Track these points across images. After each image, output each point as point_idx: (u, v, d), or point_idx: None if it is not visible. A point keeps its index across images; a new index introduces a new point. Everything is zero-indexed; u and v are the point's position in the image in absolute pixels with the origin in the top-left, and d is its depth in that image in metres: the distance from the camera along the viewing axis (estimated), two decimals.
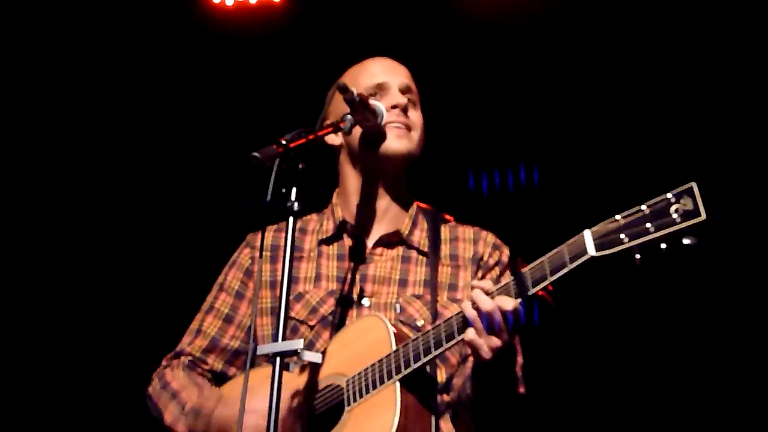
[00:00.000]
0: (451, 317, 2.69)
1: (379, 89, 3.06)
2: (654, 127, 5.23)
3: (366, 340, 2.81)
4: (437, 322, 2.74)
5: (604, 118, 5.35)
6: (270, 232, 3.14)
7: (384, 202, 3.09)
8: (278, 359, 2.49)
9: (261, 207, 2.57)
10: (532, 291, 2.56)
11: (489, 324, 2.58)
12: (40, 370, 5.68)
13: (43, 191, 5.79)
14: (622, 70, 5.31)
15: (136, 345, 5.46)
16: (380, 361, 2.74)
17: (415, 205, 3.16)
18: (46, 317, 5.73)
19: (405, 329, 2.88)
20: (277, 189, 2.56)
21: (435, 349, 2.68)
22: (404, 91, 3.09)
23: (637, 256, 2.43)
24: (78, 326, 5.73)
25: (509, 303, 2.57)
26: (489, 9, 5.47)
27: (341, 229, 3.10)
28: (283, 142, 2.61)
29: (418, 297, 2.98)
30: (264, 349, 2.54)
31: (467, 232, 3.12)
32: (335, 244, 3.10)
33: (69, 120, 5.80)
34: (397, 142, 3.01)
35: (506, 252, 3.10)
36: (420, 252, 3.07)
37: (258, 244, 3.10)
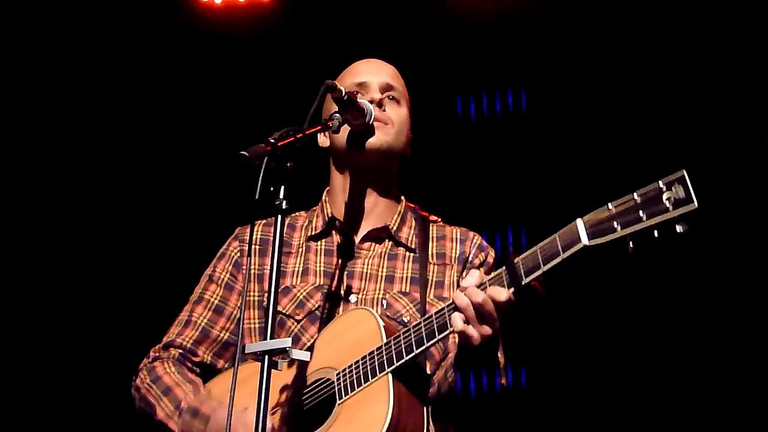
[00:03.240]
0: (443, 308, 2.70)
1: (360, 88, 3.08)
2: (644, 110, 5.26)
3: (355, 333, 2.82)
4: (428, 314, 2.74)
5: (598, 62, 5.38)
6: (259, 227, 3.16)
7: (372, 199, 3.10)
8: (267, 357, 2.49)
9: (249, 204, 2.58)
10: (525, 281, 2.57)
11: (480, 314, 2.60)
12: (29, 367, 5.67)
13: (34, 188, 5.77)
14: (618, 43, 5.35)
15: (122, 340, 5.45)
16: (371, 353, 2.75)
17: (403, 203, 3.19)
18: (30, 309, 5.71)
19: (392, 324, 2.89)
20: (265, 187, 2.57)
21: (427, 341, 2.69)
22: (384, 89, 3.11)
23: (630, 244, 2.43)
24: (63, 321, 5.70)
25: (502, 293, 2.59)
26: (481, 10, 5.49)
27: (330, 225, 3.12)
28: (272, 140, 2.62)
29: (405, 294, 3.00)
30: (252, 347, 2.55)
31: (454, 232, 3.15)
32: (323, 240, 3.12)
33: (56, 117, 5.78)
34: (372, 138, 3.02)
35: (492, 254, 3.13)
36: (408, 249, 3.09)
37: (247, 237, 3.09)
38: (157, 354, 3.11)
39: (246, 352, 2.57)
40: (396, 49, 5.39)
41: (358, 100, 2.93)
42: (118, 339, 5.46)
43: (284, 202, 2.60)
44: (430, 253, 3.07)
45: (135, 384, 3.08)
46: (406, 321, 2.93)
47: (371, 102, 3.03)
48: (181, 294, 3.24)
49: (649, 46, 5.28)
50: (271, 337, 2.53)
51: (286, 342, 2.53)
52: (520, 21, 5.44)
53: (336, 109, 2.90)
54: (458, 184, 5.50)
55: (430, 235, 3.11)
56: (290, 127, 2.69)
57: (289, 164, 2.63)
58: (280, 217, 2.60)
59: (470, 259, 3.08)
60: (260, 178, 2.55)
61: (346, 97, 2.84)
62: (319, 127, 2.84)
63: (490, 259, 3.11)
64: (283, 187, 2.62)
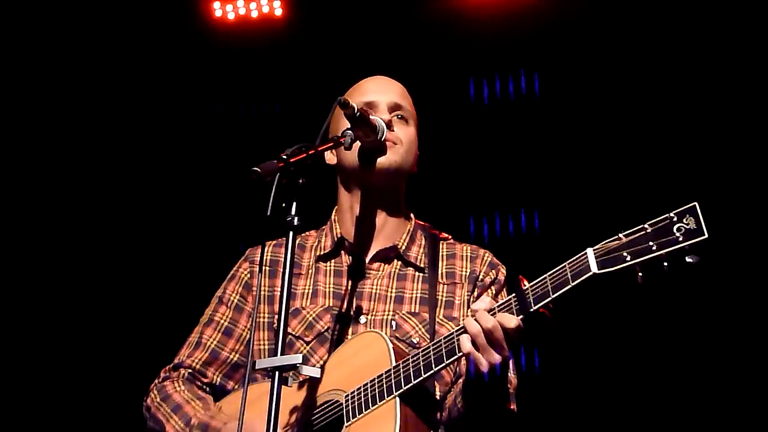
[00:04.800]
0: (452, 333, 2.69)
1: (369, 107, 3.06)
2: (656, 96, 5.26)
3: (365, 356, 2.81)
4: (438, 338, 2.74)
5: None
6: (269, 248, 3.15)
7: (381, 218, 3.09)
8: (277, 374, 2.49)
9: (260, 221, 2.57)
10: (533, 308, 2.58)
11: (490, 340, 2.59)
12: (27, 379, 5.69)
13: (51, 195, 5.80)
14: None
15: (127, 352, 5.49)
16: (380, 376, 2.75)
17: (413, 221, 3.17)
18: (29, 321, 5.72)
19: (401, 345, 2.88)
20: (277, 203, 2.57)
21: (436, 365, 2.69)
22: (393, 108, 3.10)
23: (640, 274, 2.46)
24: (67, 332, 5.72)
25: (511, 320, 2.59)
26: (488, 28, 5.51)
27: (339, 245, 3.11)
28: (284, 156, 2.61)
29: (414, 314, 2.99)
30: (263, 363, 2.55)
31: (464, 249, 3.13)
32: (333, 260, 3.11)
33: (74, 132, 5.81)
34: (381, 158, 3.02)
35: (502, 271, 3.11)
36: (417, 268, 3.08)
37: (257, 258, 3.09)
38: (167, 374, 3.12)
39: (257, 368, 2.56)
40: (407, 40, 5.47)
41: (371, 117, 2.92)
42: (122, 354, 5.49)
43: (296, 219, 2.60)
44: (439, 272, 3.06)
45: (146, 404, 3.09)
46: (415, 342, 2.93)
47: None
48: (186, 310, 3.24)
49: (668, 33, 5.25)
50: (282, 353, 2.52)
51: (296, 358, 2.53)
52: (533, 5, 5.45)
53: (346, 125, 2.89)
54: (471, 166, 5.49)
55: (440, 254, 3.10)
56: (302, 144, 2.69)
57: (301, 180, 2.63)
58: (291, 233, 2.60)
59: (481, 277, 3.07)
60: (272, 195, 2.55)
61: (358, 114, 2.84)
62: (332, 144, 2.84)
63: (501, 277, 3.09)
64: (294, 204, 2.61)
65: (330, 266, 3.10)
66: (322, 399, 2.83)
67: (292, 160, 2.62)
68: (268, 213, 2.56)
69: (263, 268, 3.10)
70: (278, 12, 5.71)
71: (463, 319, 2.75)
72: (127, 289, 5.75)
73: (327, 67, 5.52)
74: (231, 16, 5.73)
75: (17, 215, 5.75)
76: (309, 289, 3.06)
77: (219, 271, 3.25)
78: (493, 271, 3.09)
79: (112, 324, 5.70)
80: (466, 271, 3.07)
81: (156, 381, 3.12)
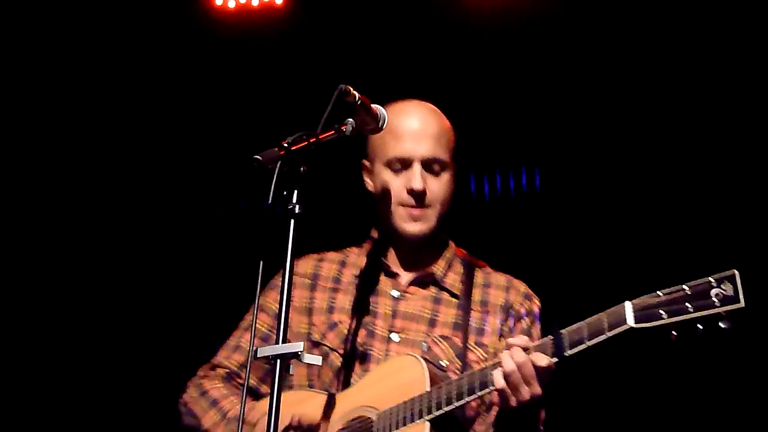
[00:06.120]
0: (486, 367, 2.79)
1: (401, 164, 3.11)
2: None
3: (401, 378, 2.91)
4: (472, 370, 2.85)
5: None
6: (311, 260, 3.25)
7: (425, 249, 3.18)
8: (279, 362, 2.51)
9: (262, 210, 2.58)
10: (567, 352, 2.67)
11: (522, 377, 2.68)
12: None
13: (56, 195, 5.81)
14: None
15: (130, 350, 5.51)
16: (413, 399, 2.84)
17: (451, 248, 3.25)
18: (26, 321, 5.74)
19: (438, 373, 2.96)
20: (278, 192, 2.58)
21: (467, 395, 2.79)
22: (427, 163, 3.11)
23: (674, 332, 2.55)
24: (68, 332, 5.74)
25: (543, 360, 2.69)
26: (491, 13, 5.47)
27: (377, 265, 3.19)
28: (285, 144, 2.62)
29: (445, 338, 3.08)
30: (265, 351, 2.56)
31: (500, 279, 3.21)
32: (371, 278, 3.19)
33: (70, 122, 5.81)
34: (411, 225, 3.11)
35: (537, 302, 3.19)
36: (452, 294, 3.15)
37: (300, 270, 3.19)
38: (205, 372, 3.22)
39: (258, 356, 2.57)
40: (398, 49, 5.42)
41: (372, 106, 2.91)
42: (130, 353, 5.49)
43: (297, 207, 2.60)
44: (473, 299, 3.14)
45: (183, 399, 3.18)
46: (444, 365, 3.02)
47: (410, 192, 3.08)
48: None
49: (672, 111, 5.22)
50: (283, 342, 2.54)
51: (298, 346, 2.54)
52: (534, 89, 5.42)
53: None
54: (470, 124, 5.45)
55: (475, 282, 3.17)
56: (303, 132, 2.69)
57: (302, 169, 2.64)
58: (292, 222, 2.60)
59: (515, 307, 3.14)
60: (273, 183, 2.56)
61: (359, 102, 2.84)
62: (333, 132, 2.82)
63: (535, 308, 3.17)
64: (296, 192, 2.62)
65: (368, 284, 3.18)
66: (354, 413, 2.93)
67: (293, 148, 2.63)
68: (269, 201, 2.57)
69: (302, 279, 3.19)
70: (279, 0, 5.70)
71: (493, 348, 2.99)
72: (127, 254, 5.79)
73: (328, 56, 5.51)
74: (231, 4, 5.72)
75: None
76: (347, 304, 3.16)
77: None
78: (527, 302, 3.17)
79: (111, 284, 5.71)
80: (500, 301, 3.15)
81: (193, 378, 3.21)
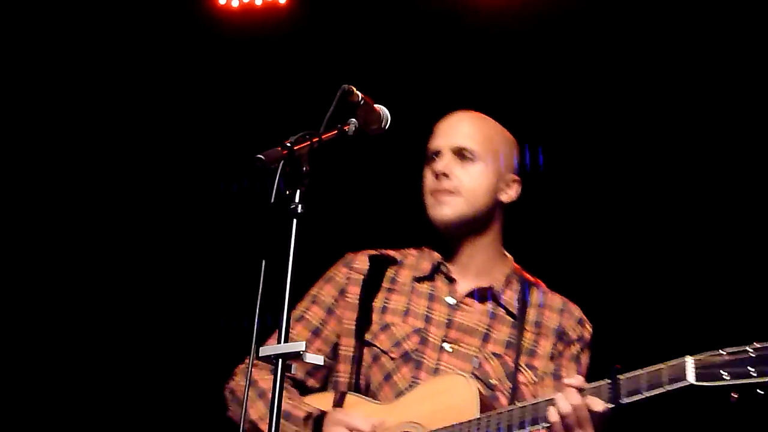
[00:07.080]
0: (539, 402, 2.79)
1: (435, 155, 3.19)
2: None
3: (451, 399, 2.90)
4: (525, 403, 2.84)
5: None
6: (367, 257, 3.25)
7: (473, 253, 3.18)
8: (281, 361, 2.51)
9: (265, 208, 2.57)
10: (624, 401, 2.67)
11: (577, 419, 2.69)
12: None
13: (58, 195, 5.80)
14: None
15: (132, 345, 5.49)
16: (461, 424, 2.84)
17: (510, 265, 3.25)
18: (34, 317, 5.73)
19: (482, 388, 2.96)
20: (280, 191, 2.59)
21: (517, 429, 2.78)
22: (456, 152, 3.16)
23: (734, 394, 2.54)
24: (70, 329, 5.73)
25: (599, 405, 2.69)
26: (493, 12, 5.46)
27: (436, 270, 3.19)
28: (288, 144, 2.62)
29: (497, 356, 3.08)
30: (266, 350, 2.56)
31: (555, 300, 3.21)
32: (429, 283, 3.19)
33: (72, 121, 5.80)
34: (438, 208, 3.13)
35: (589, 328, 3.19)
36: (508, 312, 3.15)
37: (356, 265, 3.23)
38: (254, 361, 3.17)
39: (260, 355, 2.57)
40: (401, 49, 5.40)
41: (375, 105, 2.92)
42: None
43: (299, 207, 2.60)
44: (527, 319, 3.13)
45: (229, 386, 3.18)
46: (492, 383, 3.03)
47: (434, 174, 3.13)
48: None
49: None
50: (285, 341, 2.54)
51: (299, 346, 2.53)
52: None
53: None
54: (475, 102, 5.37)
55: (531, 301, 3.17)
56: (306, 131, 2.69)
57: (305, 168, 2.64)
58: (294, 221, 2.59)
59: (567, 331, 3.14)
60: (276, 182, 2.57)
61: (362, 102, 2.84)
62: (336, 132, 2.83)
63: (587, 334, 3.18)
64: (298, 192, 2.62)
65: (425, 289, 3.19)
66: (400, 428, 2.92)
67: (296, 147, 2.62)
68: (272, 201, 2.57)
69: (356, 276, 3.21)
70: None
71: (543, 371, 3.03)
72: (129, 232, 5.76)
73: (331, 55, 5.50)
74: (235, 3, 5.72)
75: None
76: (402, 306, 3.16)
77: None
78: (580, 327, 3.18)
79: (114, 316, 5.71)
80: (554, 324, 3.15)
81: (241, 366, 3.19)
